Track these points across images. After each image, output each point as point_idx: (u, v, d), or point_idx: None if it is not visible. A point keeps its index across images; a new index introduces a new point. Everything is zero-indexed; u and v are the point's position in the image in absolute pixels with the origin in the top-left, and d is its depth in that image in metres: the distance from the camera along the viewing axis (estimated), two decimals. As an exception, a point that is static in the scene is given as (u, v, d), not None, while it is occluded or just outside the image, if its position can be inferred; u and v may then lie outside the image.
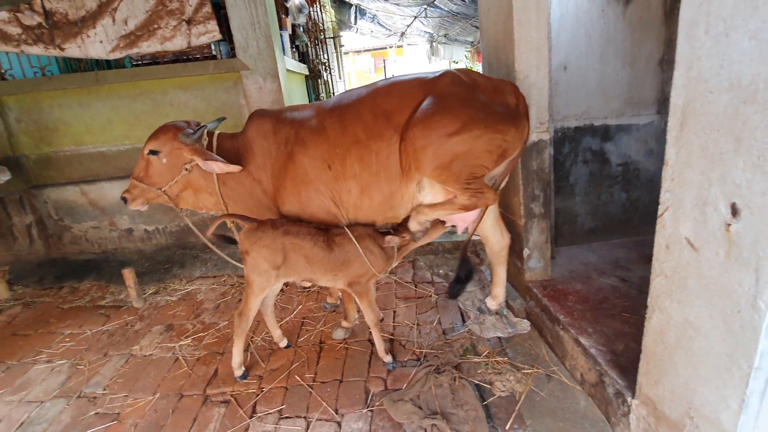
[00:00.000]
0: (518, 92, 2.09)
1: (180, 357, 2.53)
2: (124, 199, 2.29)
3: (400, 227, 2.26)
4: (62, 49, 3.62)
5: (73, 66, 4.01)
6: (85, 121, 3.82)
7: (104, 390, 2.32)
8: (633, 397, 1.62)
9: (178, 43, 3.55)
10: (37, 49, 3.60)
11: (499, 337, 2.45)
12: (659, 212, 1.29)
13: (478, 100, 1.96)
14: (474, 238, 2.41)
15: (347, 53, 18.18)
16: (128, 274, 3.11)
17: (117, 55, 3.61)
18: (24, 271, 3.82)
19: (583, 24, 2.61)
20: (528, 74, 2.31)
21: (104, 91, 3.75)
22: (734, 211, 1.05)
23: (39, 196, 3.88)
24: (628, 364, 1.77)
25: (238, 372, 2.27)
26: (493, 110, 1.96)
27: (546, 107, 2.36)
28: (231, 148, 2.24)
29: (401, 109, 2.02)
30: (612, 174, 2.89)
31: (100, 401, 2.24)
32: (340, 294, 2.74)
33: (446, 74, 2.04)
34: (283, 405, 2.08)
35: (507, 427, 1.83)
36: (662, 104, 2.79)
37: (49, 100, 3.78)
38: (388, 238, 2.14)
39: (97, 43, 3.57)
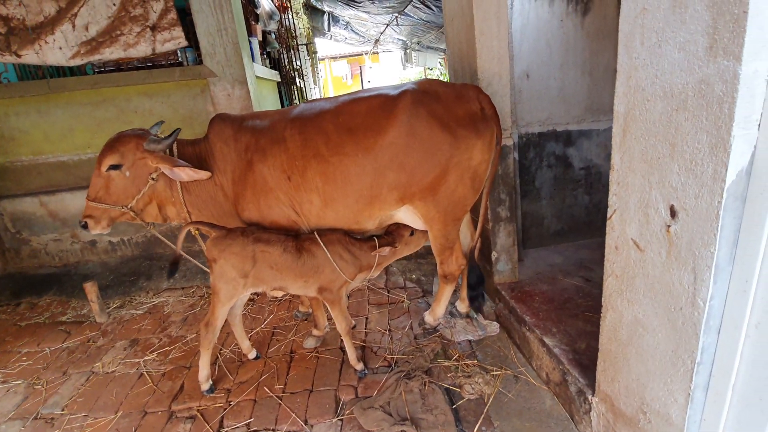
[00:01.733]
0: (481, 94, 2.08)
1: (144, 373, 2.45)
2: (84, 225, 2.14)
3: (387, 236, 2.27)
4: (19, 56, 3.48)
5: (32, 72, 3.86)
6: (44, 130, 3.68)
7: (63, 410, 2.22)
8: (593, 395, 1.67)
9: (142, 50, 3.47)
10: (-9, 56, 3.45)
11: (470, 340, 2.48)
12: (608, 215, 1.35)
13: (438, 126, 1.96)
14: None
15: (323, 59, 18.20)
16: (90, 288, 3.00)
17: (78, 61, 3.49)
18: (-22, 288, 3.63)
19: (543, 34, 2.70)
20: (491, 82, 2.37)
21: (64, 99, 3.62)
22: (672, 212, 1.10)
23: (-6, 208, 3.70)
24: (589, 362, 1.83)
25: (205, 386, 2.22)
26: (455, 132, 1.97)
27: (509, 114, 2.42)
28: (192, 154, 2.19)
29: (364, 128, 1.99)
30: (575, 177, 2.99)
31: (58, 422, 2.14)
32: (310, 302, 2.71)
33: (406, 94, 1.99)
34: (251, 418, 2.04)
35: (475, 430, 1.85)
36: (620, 110, 2.91)
37: (4, 108, 3.62)
38: (383, 248, 2.15)
39: (56, 50, 3.45)
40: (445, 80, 2.47)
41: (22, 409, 2.26)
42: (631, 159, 1.21)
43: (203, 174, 2.05)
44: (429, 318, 2.57)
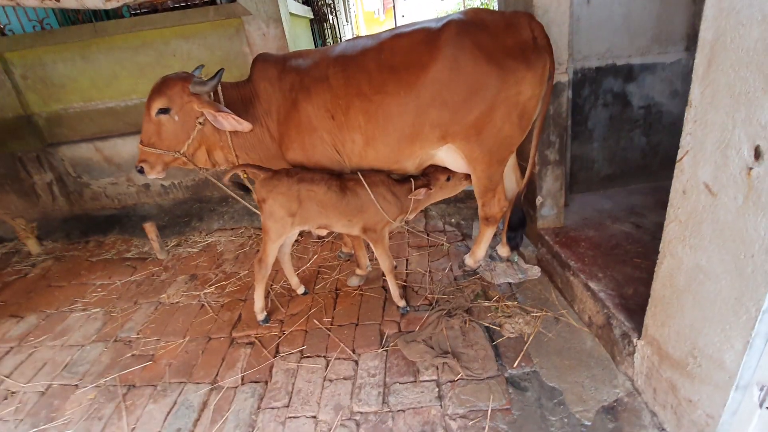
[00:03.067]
0: (534, 22, 1.94)
1: (205, 304, 2.69)
2: (141, 170, 2.20)
3: (423, 177, 2.26)
4: (58, 0, 3.49)
5: (72, 18, 3.88)
6: (90, 76, 3.77)
7: (138, 334, 2.50)
8: (639, 338, 1.67)
9: (175, -12, 3.37)
10: (32, 2, 3.46)
11: (510, 283, 2.51)
12: (678, 156, 1.26)
13: (484, 58, 1.85)
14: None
15: (354, -8, 17.04)
16: (150, 228, 3.22)
17: (114, 4, 3.44)
18: (51, 227, 3.99)
19: (610, -51, 2.37)
20: (548, 9, 2.16)
21: (105, 44, 3.65)
22: (757, 154, 1.01)
23: (55, 153, 3.94)
24: (636, 307, 1.82)
25: (261, 316, 2.41)
26: (502, 63, 1.86)
27: (566, 46, 2.22)
28: (237, 98, 2.19)
29: (406, 66, 1.93)
30: (633, 117, 2.77)
31: (135, 344, 2.43)
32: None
33: (450, 25, 1.89)
34: (304, 346, 2.23)
35: (515, 365, 1.94)
36: (692, 40, 2.59)
37: (51, 55, 3.71)
38: (418, 190, 2.16)
39: (92, -9, 3.42)
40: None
41: (102, 333, 2.57)
42: (715, 93, 1.09)
43: (245, 125, 2.01)
44: (469, 261, 2.61)
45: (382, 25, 20.65)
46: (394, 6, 17.95)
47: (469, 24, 1.90)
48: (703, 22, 1.10)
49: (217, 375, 2.12)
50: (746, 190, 1.06)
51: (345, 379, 2.00)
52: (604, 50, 2.58)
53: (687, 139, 1.21)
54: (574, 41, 2.50)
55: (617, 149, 2.85)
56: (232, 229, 3.64)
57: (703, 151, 1.16)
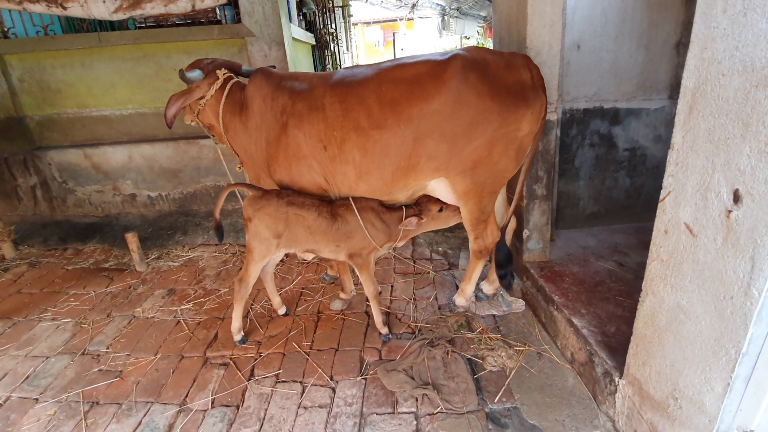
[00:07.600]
0: (531, 64, 2.00)
1: (181, 320, 2.60)
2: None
3: (415, 207, 2.27)
4: (65, 8, 3.53)
5: (76, 26, 3.93)
6: (88, 83, 3.78)
7: (107, 348, 2.39)
8: (620, 377, 1.66)
9: (182, 6, 3.45)
10: (39, 7, 3.52)
11: (494, 315, 2.49)
12: (661, 197, 1.29)
13: (487, 93, 1.88)
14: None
15: (356, 24, 17.71)
16: (131, 239, 3.15)
17: (120, 16, 3.52)
18: (29, 232, 3.88)
19: (600, 1, 2.52)
20: (540, 51, 2.26)
21: (107, 53, 3.69)
22: (736, 197, 1.04)
23: (43, 157, 3.89)
24: (618, 345, 1.81)
25: (237, 336, 2.34)
26: (505, 101, 1.90)
27: (556, 87, 2.31)
28: (238, 100, 2.20)
29: (408, 97, 1.92)
30: (618, 159, 2.86)
31: (103, 359, 2.31)
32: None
33: (456, 59, 1.91)
34: (280, 370, 2.15)
35: (495, 400, 1.89)
36: (675, 89, 2.73)
37: (51, 60, 3.73)
38: (408, 219, 2.16)
39: (99, 3, 3.48)
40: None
41: (70, 344, 2.45)
42: (695, 138, 1.14)
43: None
44: (460, 300, 2.53)
45: (382, 56, 21.36)
46: (393, 40, 18.63)
47: (473, 60, 1.93)
48: (686, 70, 1.16)
49: (186, 396, 2.02)
50: (725, 232, 1.08)
51: (320, 407, 1.92)
52: (592, 93, 2.69)
53: (669, 180, 1.25)
54: (563, 83, 2.61)
55: (602, 188, 2.92)
56: (216, 245, 3.58)
57: (684, 193, 1.19)
